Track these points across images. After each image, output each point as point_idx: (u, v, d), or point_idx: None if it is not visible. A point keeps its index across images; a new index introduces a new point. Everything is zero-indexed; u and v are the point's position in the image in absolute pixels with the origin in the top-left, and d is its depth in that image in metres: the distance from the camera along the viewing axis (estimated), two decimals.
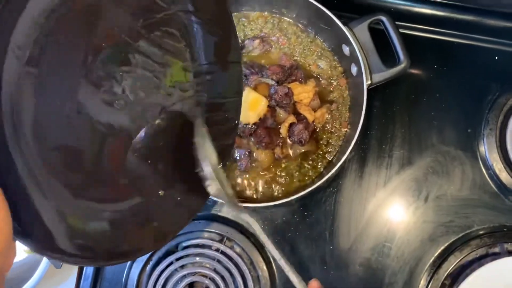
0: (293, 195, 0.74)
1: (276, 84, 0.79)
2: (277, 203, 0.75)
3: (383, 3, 0.91)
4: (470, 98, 0.89)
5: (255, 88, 0.80)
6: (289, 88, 0.78)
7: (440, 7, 0.91)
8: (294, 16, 0.84)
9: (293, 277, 0.58)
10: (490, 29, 0.92)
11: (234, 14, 0.85)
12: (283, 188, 0.80)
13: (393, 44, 0.78)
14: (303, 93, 0.79)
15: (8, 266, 0.46)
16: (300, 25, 0.85)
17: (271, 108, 0.79)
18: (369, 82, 0.76)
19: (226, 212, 0.86)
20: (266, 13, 0.85)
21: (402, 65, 0.77)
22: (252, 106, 0.77)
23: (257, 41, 0.83)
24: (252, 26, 0.86)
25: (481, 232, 0.85)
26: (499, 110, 0.87)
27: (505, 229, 0.85)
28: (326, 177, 0.72)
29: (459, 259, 0.82)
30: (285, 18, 0.85)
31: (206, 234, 0.84)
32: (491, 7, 0.89)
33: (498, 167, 0.85)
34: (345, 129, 0.82)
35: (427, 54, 0.91)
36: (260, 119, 0.78)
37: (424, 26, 0.92)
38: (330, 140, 0.82)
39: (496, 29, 0.91)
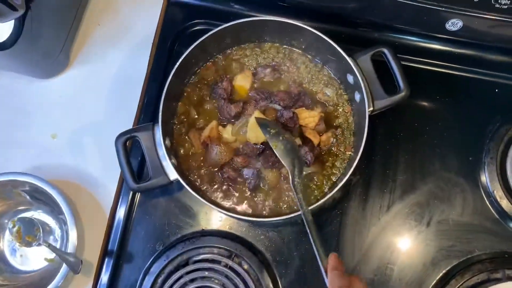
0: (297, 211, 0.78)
1: (282, 109, 0.85)
2: (283, 218, 0.79)
3: (389, 37, 0.97)
4: (471, 127, 0.93)
5: (263, 112, 0.85)
6: (293, 113, 0.83)
7: (442, 42, 0.96)
8: (303, 47, 0.91)
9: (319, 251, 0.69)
10: (490, 63, 0.96)
11: (247, 44, 0.92)
12: (290, 206, 0.84)
13: (394, 74, 0.83)
14: (309, 117, 0.85)
15: None
16: (309, 56, 0.91)
17: None
18: (371, 108, 0.82)
19: (235, 229, 0.90)
20: (277, 44, 0.92)
21: (403, 93, 0.82)
22: None
23: (268, 70, 0.89)
24: (265, 55, 0.92)
25: (482, 257, 0.87)
26: (499, 139, 0.91)
27: (506, 255, 0.87)
28: (328, 195, 0.76)
29: (460, 284, 0.84)
30: (295, 49, 0.92)
31: (216, 250, 0.88)
32: (491, 43, 0.94)
33: (499, 194, 0.88)
34: (349, 153, 0.86)
35: (430, 85, 0.96)
36: None
37: (427, 59, 0.97)
38: (335, 163, 0.86)
39: (496, 63, 0.96)
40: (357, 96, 0.84)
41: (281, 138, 0.79)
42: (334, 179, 0.85)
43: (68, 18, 0.97)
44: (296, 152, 0.80)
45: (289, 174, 0.77)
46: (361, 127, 0.82)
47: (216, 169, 0.86)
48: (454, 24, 0.85)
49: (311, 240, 0.71)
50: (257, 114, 0.84)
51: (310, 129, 0.85)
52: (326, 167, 0.86)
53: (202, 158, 0.87)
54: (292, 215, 0.79)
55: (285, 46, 0.92)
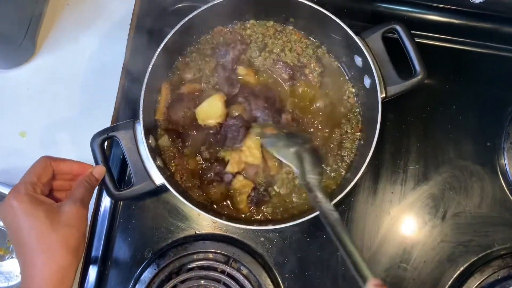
0: (301, 214, 0.72)
1: (242, 119, 0.76)
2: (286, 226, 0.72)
3: (396, 11, 0.88)
4: (488, 109, 0.86)
5: (230, 100, 0.79)
6: (240, 131, 0.76)
7: (455, 15, 0.88)
8: (301, 25, 0.81)
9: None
10: (509, 37, 0.88)
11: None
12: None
13: (408, 54, 0.74)
14: (249, 151, 0.76)
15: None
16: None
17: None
18: (383, 95, 0.73)
19: (232, 231, 0.82)
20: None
21: (419, 77, 0.73)
22: (212, 114, 0.77)
23: (287, 75, 0.80)
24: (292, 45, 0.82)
25: (502, 252, 0.81)
26: None
27: None
28: (353, 182, 0.70)
29: (479, 281, 0.79)
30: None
31: (211, 255, 0.81)
32: (509, 14, 0.86)
33: None
34: (358, 133, 0.79)
35: (443, 63, 0.88)
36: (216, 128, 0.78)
37: (439, 34, 0.89)
38: (345, 144, 0.79)
39: None
40: (367, 81, 0.74)
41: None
42: (348, 160, 0.79)
43: None
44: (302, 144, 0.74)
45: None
46: (370, 116, 0.73)
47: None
48: None
49: (345, 246, 0.63)
50: (218, 97, 0.77)
51: (240, 159, 0.76)
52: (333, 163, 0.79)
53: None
54: (298, 221, 0.71)
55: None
